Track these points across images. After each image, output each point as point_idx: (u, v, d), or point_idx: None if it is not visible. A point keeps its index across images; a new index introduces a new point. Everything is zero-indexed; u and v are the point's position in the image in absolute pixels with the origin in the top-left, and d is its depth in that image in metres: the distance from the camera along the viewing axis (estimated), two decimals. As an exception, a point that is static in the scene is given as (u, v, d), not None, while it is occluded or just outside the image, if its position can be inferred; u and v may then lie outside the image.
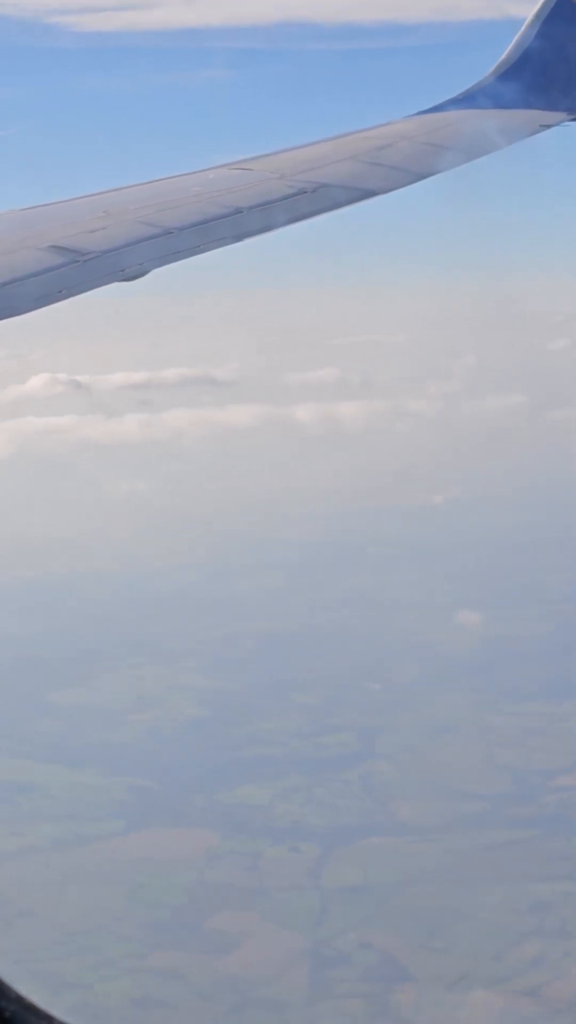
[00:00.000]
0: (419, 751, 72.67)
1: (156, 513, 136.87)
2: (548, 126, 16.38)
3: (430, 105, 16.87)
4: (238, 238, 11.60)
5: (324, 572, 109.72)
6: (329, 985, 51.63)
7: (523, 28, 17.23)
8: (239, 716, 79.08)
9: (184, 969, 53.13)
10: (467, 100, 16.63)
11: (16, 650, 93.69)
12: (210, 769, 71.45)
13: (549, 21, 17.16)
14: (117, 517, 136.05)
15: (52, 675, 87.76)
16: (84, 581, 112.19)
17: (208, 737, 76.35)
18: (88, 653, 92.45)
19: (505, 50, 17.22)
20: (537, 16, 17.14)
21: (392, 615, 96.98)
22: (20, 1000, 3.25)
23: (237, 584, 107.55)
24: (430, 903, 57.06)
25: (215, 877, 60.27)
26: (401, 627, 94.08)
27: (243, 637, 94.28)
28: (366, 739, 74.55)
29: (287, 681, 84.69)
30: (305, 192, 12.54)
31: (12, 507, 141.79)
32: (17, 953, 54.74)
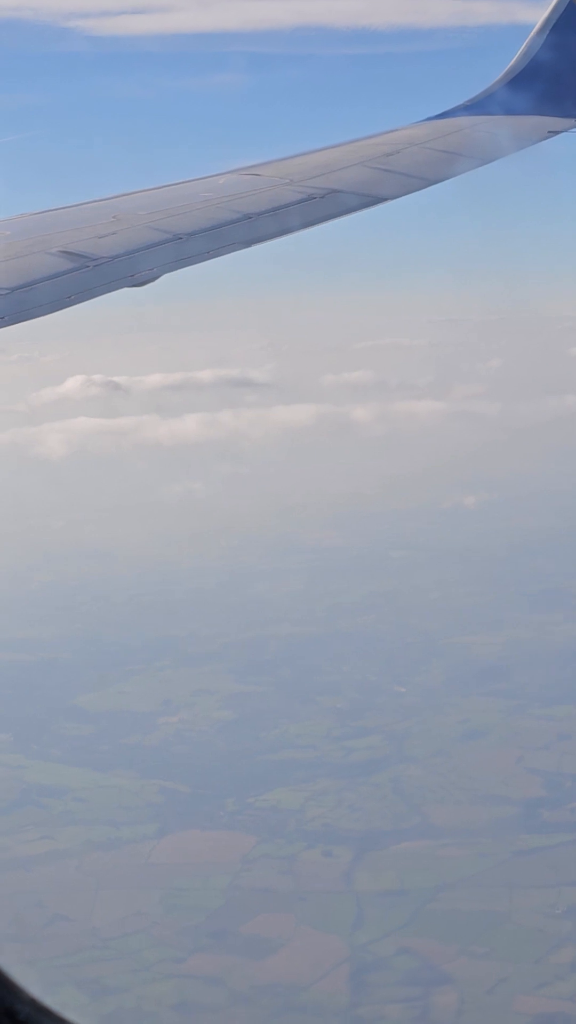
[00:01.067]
0: (449, 755, 72.62)
1: (193, 515, 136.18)
2: (556, 132, 16.47)
3: (441, 110, 17.02)
4: (248, 244, 11.58)
5: (346, 575, 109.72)
6: (370, 989, 51.57)
7: (531, 35, 17.28)
8: (266, 719, 79.07)
9: (223, 973, 53.10)
10: (476, 107, 16.78)
11: (41, 653, 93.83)
12: (240, 772, 71.44)
13: (557, 28, 17.21)
14: (150, 518, 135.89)
15: (77, 678, 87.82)
16: (108, 584, 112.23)
17: (237, 740, 76.34)
18: (112, 656, 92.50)
19: (513, 57, 17.29)
20: (545, 23, 17.22)
21: (418, 619, 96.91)
22: (34, 1003, 3.33)
23: (258, 588, 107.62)
24: (466, 907, 57.05)
25: (250, 881, 60.26)
26: (427, 631, 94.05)
27: (267, 641, 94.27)
28: (395, 743, 74.49)
29: (313, 685, 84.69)
30: (315, 198, 12.55)
31: (54, 508, 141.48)
32: (54, 958, 54.78)
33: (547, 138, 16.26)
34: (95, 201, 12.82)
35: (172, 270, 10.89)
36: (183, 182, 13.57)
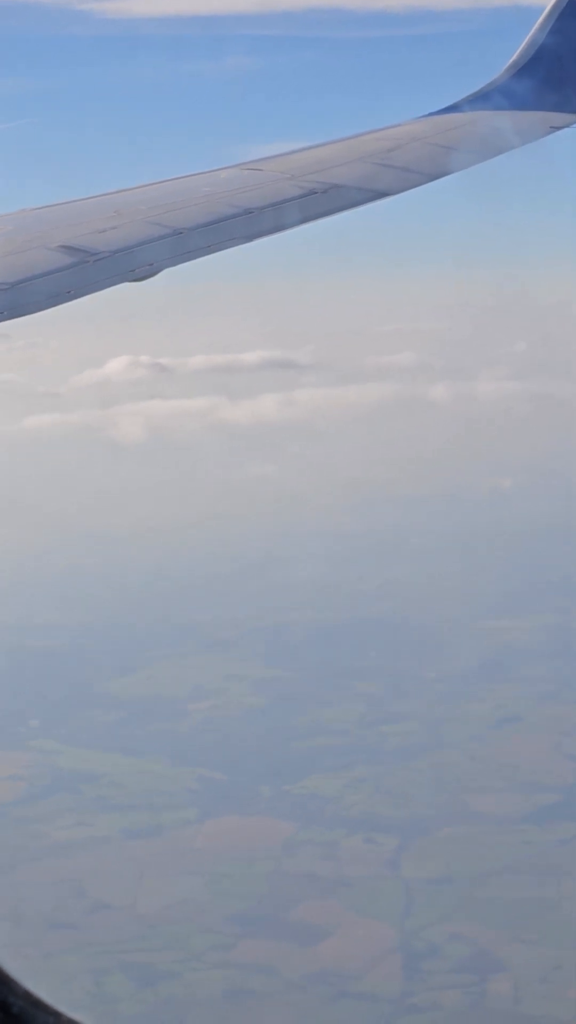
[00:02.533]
0: (485, 741, 72.10)
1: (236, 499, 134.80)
2: (559, 128, 16.26)
3: (452, 96, 16.87)
4: (249, 238, 11.51)
5: (364, 561, 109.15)
6: (424, 976, 51.04)
7: (536, 26, 17.04)
8: (298, 705, 78.48)
9: (274, 960, 52.51)
10: (479, 100, 16.55)
11: (65, 638, 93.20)
12: (276, 758, 70.85)
13: (562, 19, 16.91)
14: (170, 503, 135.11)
15: (104, 664, 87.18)
16: (125, 569, 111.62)
17: (269, 726, 75.74)
18: (136, 642, 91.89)
19: (518, 48, 17.06)
20: (550, 14, 16.96)
21: (441, 605, 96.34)
22: (28, 996, 3.22)
23: (277, 573, 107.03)
24: (515, 894, 56.52)
25: (294, 867, 59.66)
26: (451, 616, 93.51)
27: (292, 626, 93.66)
28: (431, 728, 73.93)
29: (341, 670, 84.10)
30: (316, 193, 12.49)
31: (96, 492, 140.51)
32: (101, 945, 54.21)
33: (549, 133, 16.07)
34: (95, 196, 12.83)
35: (172, 265, 10.85)
36: (184, 176, 13.54)
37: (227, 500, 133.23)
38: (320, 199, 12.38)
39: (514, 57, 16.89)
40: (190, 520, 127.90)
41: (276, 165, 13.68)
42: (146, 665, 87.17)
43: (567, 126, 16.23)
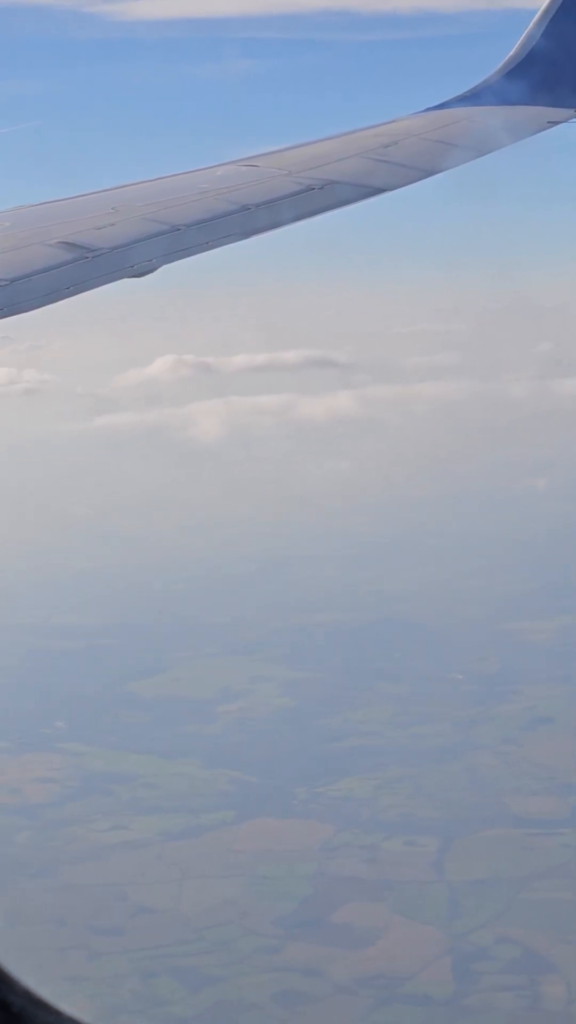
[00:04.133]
0: (519, 743, 71.95)
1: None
2: (555, 123, 16.34)
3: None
4: (246, 235, 11.52)
5: (383, 562, 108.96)
6: (475, 979, 50.87)
7: (530, 26, 17.16)
8: (327, 707, 78.27)
9: (321, 964, 52.28)
10: (474, 97, 16.66)
11: (87, 640, 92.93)
12: (308, 760, 70.62)
13: (556, 19, 17.07)
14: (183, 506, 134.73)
15: (127, 665, 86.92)
16: (143, 570, 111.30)
17: (300, 728, 75.53)
18: (159, 643, 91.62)
19: (512, 48, 17.18)
20: (544, 14, 17.09)
21: (463, 606, 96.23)
22: (28, 995, 3.22)
23: (296, 574, 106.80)
24: (560, 896, 56.35)
25: (335, 869, 59.45)
26: (474, 617, 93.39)
27: (315, 628, 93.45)
28: (462, 730, 73.77)
29: (368, 672, 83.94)
30: (313, 189, 12.48)
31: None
32: (147, 949, 53.98)
33: (546, 129, 16.14)
34: (93, 192, 12.85)
35: (170, 261, 10.90)
36: (181, 173, 13.56)
37: (256, 500, 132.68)
38: (317, 195, 12.40)
39: (509, 55, 17.04)
40: (211, 520, 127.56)
41: (273, 161, 13.68)
42: (170, 667, 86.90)
43: (564, 121, 16.35)
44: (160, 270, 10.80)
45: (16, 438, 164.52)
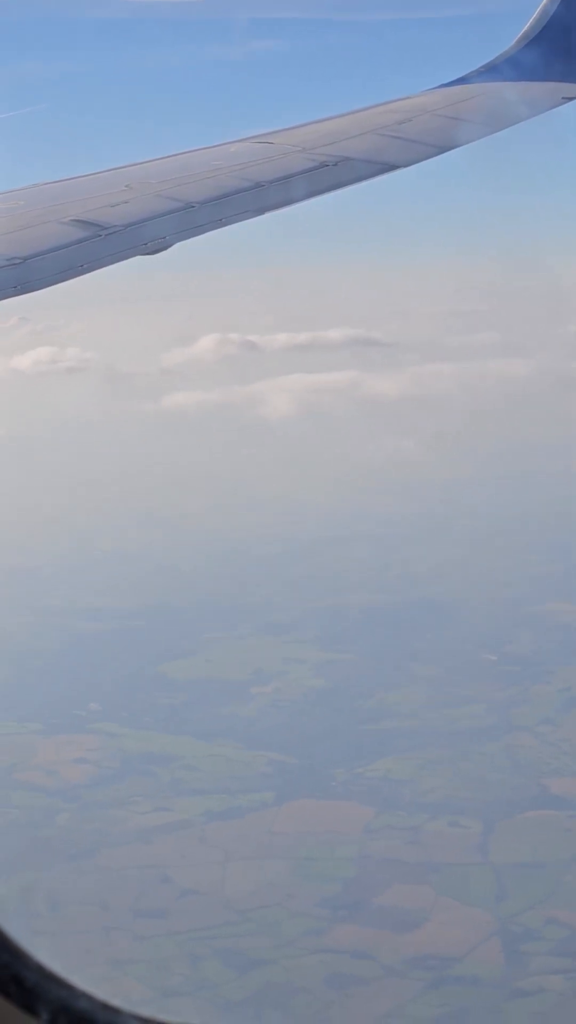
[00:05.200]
0: (557, 724, 71.70)
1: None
2: (570, 99, 16.33)
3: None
4: (260, 211, 11.48)
5: (410, 544, 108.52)
6: (526, 960, 50.76)
7: None
8: (361, 688, 78.07)
9: (370, 946, 52.19)
10: (491, 71, 16.71)
11: (114, 621, 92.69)
12: (345, 741, 70.47)
13: None
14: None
15: (158, 646, 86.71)
16: (169, 551, 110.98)
17: (335, 709, 75.32)
18: (188, 624, 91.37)
19: (529, 20, 17.11)
20: None
21: (493, 587, 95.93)
22: (41, 970, 3.23)
23: (323, 555, 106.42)
24: (606, 878, 56.24)
25: (378, 851, 59.32)
26: (504, 599, 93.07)
27: (345, 609, 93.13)
28: (498, 711, 73.52)
29: (400, 653, 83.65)
30: (327, 165, 12.44)
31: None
32: (193, 932, 53.89)
33: (561, 104, 16.05)
34: (107, 170, 12.75)
35: (184, 238, 10.78)
36: (195, 150, 13.40)
37: (287, 479, 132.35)
38: (331, 171, 12.36)
39: (525, 28, 16.97)
40: (243, 500, 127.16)
41: (287, 138, 13.66)
42: (201, 648, 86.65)
43: None
44: (174, 247, 10.71)
45: (73, 417, 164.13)
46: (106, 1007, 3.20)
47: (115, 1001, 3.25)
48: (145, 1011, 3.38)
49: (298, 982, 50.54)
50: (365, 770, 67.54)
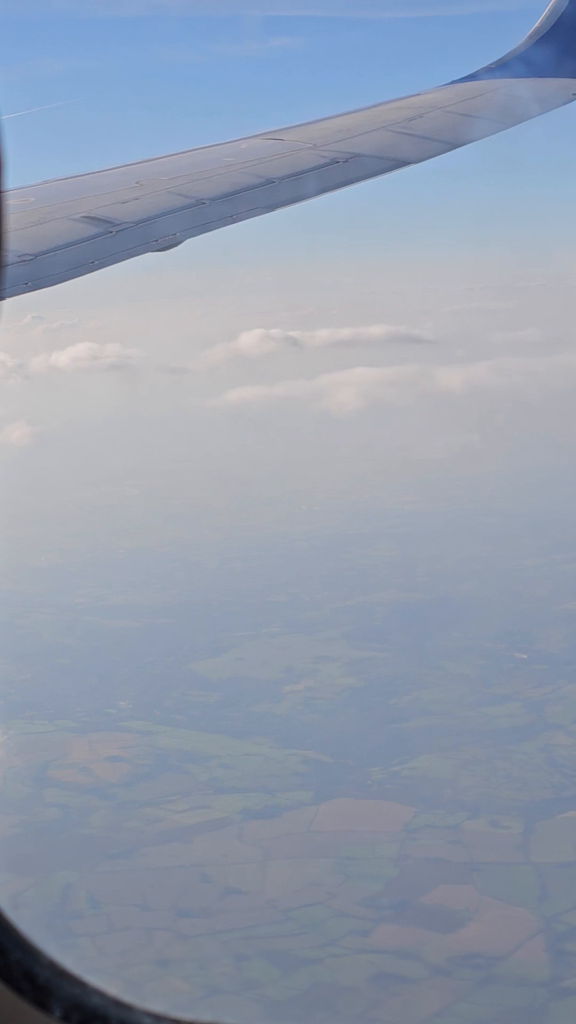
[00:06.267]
0: (592, 722, 71.54)
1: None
2: None
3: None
4: (270, 208, 11.40)
5: (437, 541, 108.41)
6: (571, 959, 50.54)
7: None
8: (395, 686, 77.92)
9: (415, 946, 51.98)
10: (502, 68, 16.55)
11: (145, 619, 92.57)
12: (381, 740, 70.31)
13: None
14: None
15: (188, 645, 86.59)
16: (197, 549, 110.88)
17: (369, 708, 75.18)
18: (217, 622, 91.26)
19: (540, 17, 17.07)
20: None
21: (521, 585, 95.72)
22: (54, 966, 3.23)
23: (351, 553, 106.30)
24: None
25: (420, 851, 59.11)
26: (533, 597, 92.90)
27: (374, 607, 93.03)
28: (534, 710, 73.36)
29: (431, 651, 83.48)
30: (338, 162, 12.39)
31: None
32: (237, 931, 53.68)
33: (572, 100, 15.92)
34: (118, 167, 12.73)
35: (195, 235, 10.79)
36: (205, 147, 13.43)
37: (316, 478, 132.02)
38: (342, 168, 12.27)
39: (536, 25, 16.93)
40: (271, 498, 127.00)
41: (297, 135, 13.55)
42: (232, 646, 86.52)
43: None
44: (185, 243, 10.61)
45: (141, 412, 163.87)
46: (118, 1003, 3.18)
47: (127, 997, 3.22)
48: (193, 1012, 3.33)
49: (344, 982, 50.34)
50: (401, 768, 67.34)
